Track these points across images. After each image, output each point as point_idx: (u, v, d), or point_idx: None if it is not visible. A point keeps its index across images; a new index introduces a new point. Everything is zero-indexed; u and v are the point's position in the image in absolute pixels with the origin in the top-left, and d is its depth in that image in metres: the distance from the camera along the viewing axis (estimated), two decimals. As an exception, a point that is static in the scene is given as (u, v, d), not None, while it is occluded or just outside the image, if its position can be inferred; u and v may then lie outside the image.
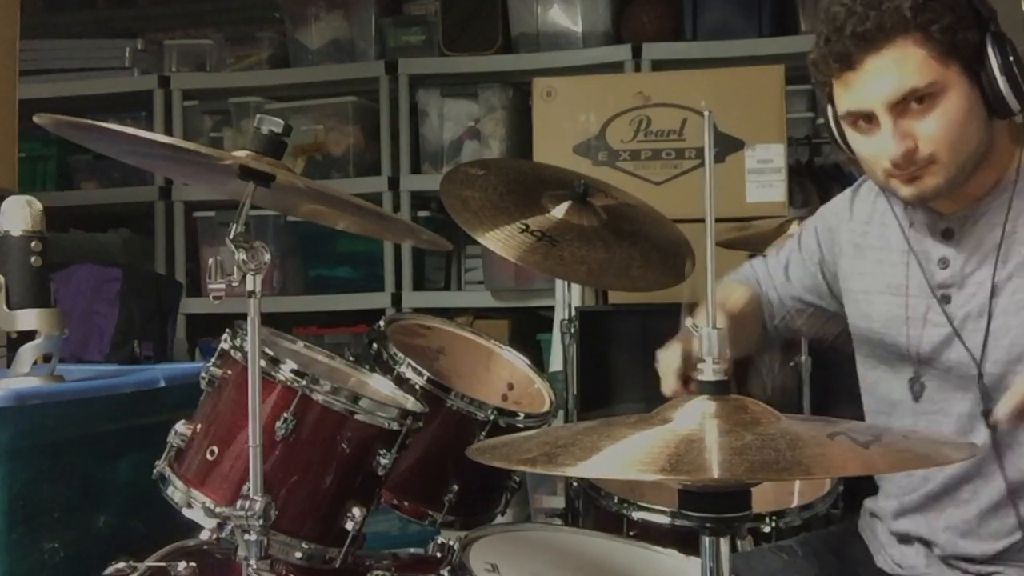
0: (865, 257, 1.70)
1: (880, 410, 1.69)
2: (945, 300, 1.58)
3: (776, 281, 1.84)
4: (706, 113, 1.14)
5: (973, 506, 1.57)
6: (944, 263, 1.59)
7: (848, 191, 1.77)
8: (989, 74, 1.46)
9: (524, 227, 2.18)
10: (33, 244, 1.95)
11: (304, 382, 1.58)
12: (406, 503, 1.92)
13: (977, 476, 1.56)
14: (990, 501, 1.56)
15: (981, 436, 1.55)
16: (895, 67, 1.46)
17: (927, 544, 1.62)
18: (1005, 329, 1.53)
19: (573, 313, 2.74)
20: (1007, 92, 1.46)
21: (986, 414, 1.53)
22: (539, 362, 2.93)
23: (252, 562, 1.46)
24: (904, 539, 1.66)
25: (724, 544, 1.11)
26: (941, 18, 1.44)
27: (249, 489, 1.47)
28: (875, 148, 1.51)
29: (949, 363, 1.58)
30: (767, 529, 1.83)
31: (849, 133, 1.56)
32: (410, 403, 1.77)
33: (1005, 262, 1.54)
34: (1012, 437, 1.54)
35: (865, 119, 1.51)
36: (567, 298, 2.75)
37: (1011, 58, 1.46)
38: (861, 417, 1.73)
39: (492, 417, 1.92)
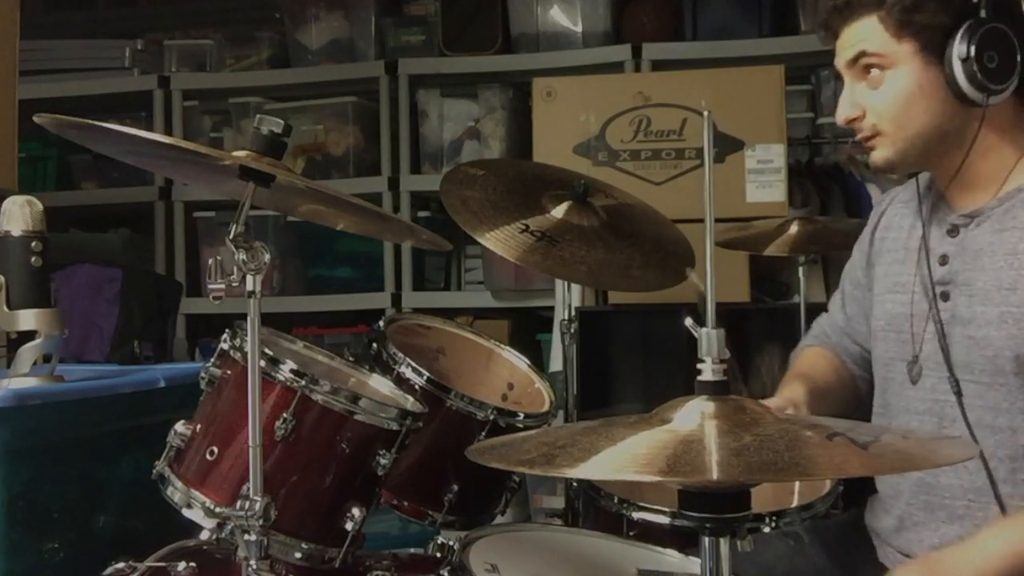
0: (882, 261, 1.73)
1: (886, 408, 1.69)
2: (944, 297, 1.58)
3: (840, 324, 1.87)
4: (705, 113, 1.15)
5: (968, 522, 1.55)
6: (944, 260, 1.60)
7: (872, 211, 1.83)
8: (948, 61, 1.50)
9: (524, 227, 2.18)
10: (33, 244, 1.95)
11: (304, 382, 1.58)
12: (406, 503, 1.92)
13: (973, 493, 1.54)
14: (985, 518, 1.53)
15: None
16: (857, 36, 1.56)
17: None
18: (988, 341, 1.52)
19: (573, 313, 2.74)
20: (964, 82, 1.49)
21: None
22: (539, 362, 2.93)
23: (252, 562, 1.46)
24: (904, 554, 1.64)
25: (724, 544, 1.11)
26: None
27: (249, 489, 1.46)
28: None
29: (948, 363, 1.56)
30: (767, 529, 1.83)
31: None
32: (410, 403, 1.77)
33: (994, 271, 1.53)
34: (1010, 449, 1.52)
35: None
36: (567, 298, 2.74)
37: (984, 49, 1.47)
38: (861, 418, 1.73)
39: (492, 417, 1.92)
